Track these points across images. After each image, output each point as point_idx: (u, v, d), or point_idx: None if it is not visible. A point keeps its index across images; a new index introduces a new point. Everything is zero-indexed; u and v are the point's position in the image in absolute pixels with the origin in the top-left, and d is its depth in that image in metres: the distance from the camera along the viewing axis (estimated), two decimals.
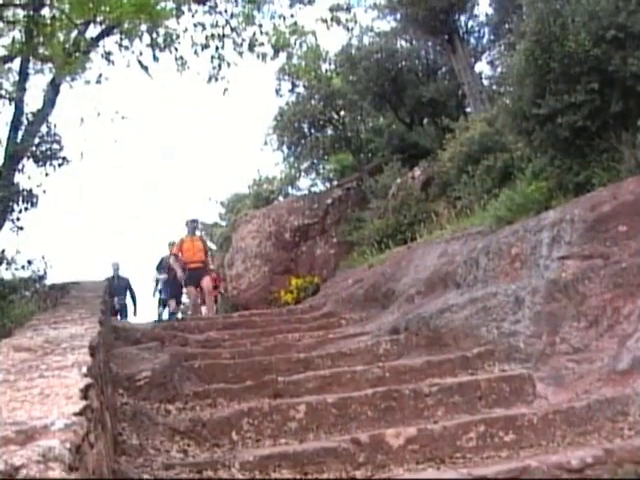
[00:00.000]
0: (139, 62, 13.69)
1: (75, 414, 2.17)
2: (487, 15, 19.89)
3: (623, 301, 5.77)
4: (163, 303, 17.05)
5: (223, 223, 25.99)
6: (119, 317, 15.67)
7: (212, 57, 14.69)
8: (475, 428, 4.82)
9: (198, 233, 16.15)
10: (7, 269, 9.15)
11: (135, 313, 16.79)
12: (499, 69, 18.99)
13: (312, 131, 21.38)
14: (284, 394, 5.86)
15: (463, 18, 19.37)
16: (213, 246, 22.77)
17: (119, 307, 16.18)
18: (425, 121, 20.19)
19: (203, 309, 14.99)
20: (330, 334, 8.72)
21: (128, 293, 16.65)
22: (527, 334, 6.26)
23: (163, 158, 66.95)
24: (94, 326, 4.73)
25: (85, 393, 2.54)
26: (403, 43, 20.93)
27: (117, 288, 15.96)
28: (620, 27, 7.62)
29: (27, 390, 2.59)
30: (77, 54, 10.76)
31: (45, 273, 9.44)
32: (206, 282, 14.06)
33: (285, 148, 21.94)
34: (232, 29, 14.65)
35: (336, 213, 18.01)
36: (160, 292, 17.25)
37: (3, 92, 12.02)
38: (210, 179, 58.58)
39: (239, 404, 5.58)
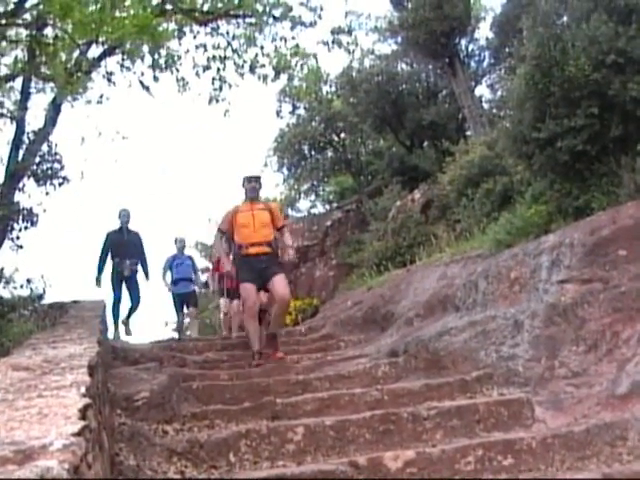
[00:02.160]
0: (140, 82, 13.86)
1: (73, 434, 2.16)
2: (487, 39, 20.06)
3: (622, 325, 5.76)
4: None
5: None
6: (129, 291, 11.90)
7: (213, 78, 14.85)
8: (473, 452, 4.79)
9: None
10: (5, 287, 9.18)
11: (147, 278, 12.32)
12: (499, 93, 19.13)
13: (312, 153, 21.52)
14: (282, 416, 5.83)
15: (464, 42, 19.54)
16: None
17: (129, 273, 11.73)
18: (425, 144, 20.30)
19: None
20: (329, 356, 8.70)
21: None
22: (526, 358, 6.25)
23: (164, 177, 67.08)
24: (93, 346, 4.72)
25: (83, 413, 2.53)
26: (404, 66, 21.09)
27: (126, 245, 11.82)
28: (620, 52, 7.66)
29: (25, 410, 2.58)
30: (79, 74, 10.84)
31: (44, 292, 9.47)
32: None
33: (285, 170, 22.09)
34: (234, 51, 14.78)
35: (335, 235, 18.05)
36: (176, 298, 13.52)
37: (5, 111, 12.11)
38: (211, 199, 58.65)
39: (237, 425, 5.55)
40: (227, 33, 14.70)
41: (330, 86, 21.83)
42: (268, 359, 8.29)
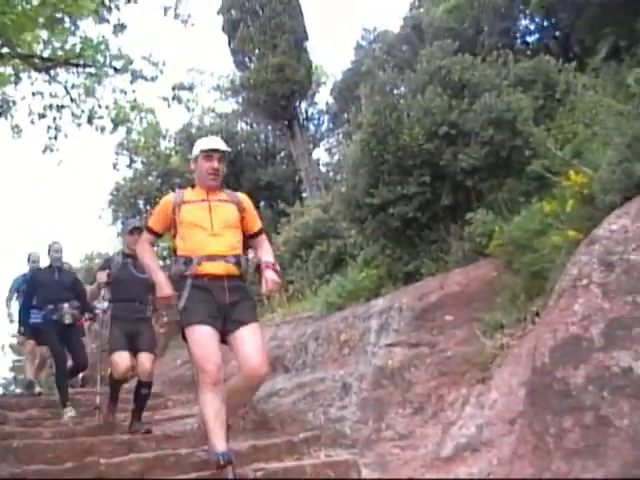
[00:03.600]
0: None
1: None
2: (327, 104, 20.62)
3: (448, 389, 5.87)
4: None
5: None
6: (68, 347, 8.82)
7: (49, 127, 14.40)
8: None
9: None
10: None
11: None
12: (336, 157, 19.58)
13: (147, 208, 21.17)
14: (106, 477, 5.55)
15: (304, 105, 19.98)
16: None
17: (68, 321, 8.68)
18: (262, 204, 20.41)
19: None
20: (156, 415, 8.43)
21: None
22: (354, 420, 6.25)
23: None
24: None
25: None
26: (244, 126, 21.30)
27: (58, 287, 8.80)
28: (452, 124, 7.98)
29: None
30: None
31: None
32: None
33: (120, 223, 21.58)
34: (72, 100, 14.42)
35: None
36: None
37: None
38: (45, 252, 56.35)
39: None
40: (66, 82, 14.36)
41: (169, 141, 21.69)
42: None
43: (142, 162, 21.45)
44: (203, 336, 4.88)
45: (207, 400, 4.75)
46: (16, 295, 11.12)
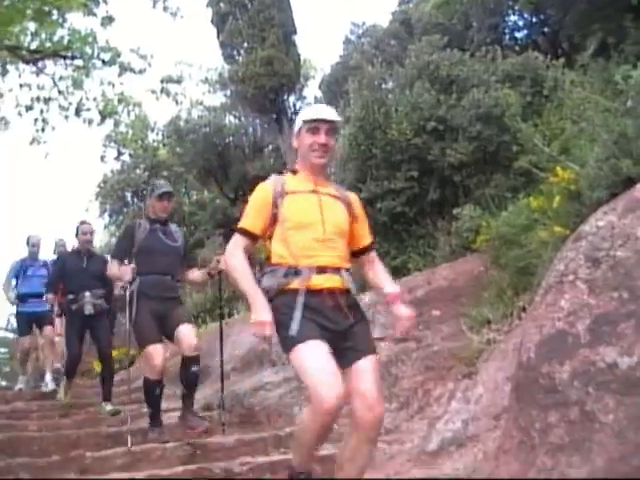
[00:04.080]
0: None
1: None
2: (316, 97, 20.59)
3: (434, 384, 5.89)
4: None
5: None
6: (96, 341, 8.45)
7: (35, 119, 14.31)
8: None
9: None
10: None
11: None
12: None
13: (135, 200, 21.13)
14: (91, 470, 5.54)
15: (292, 99, 19.95)
16: None
17: (88, 312, 8.00)
18: (249, 198, 20.39)
19: None
20: (143, 408, 8.41)
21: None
22: (340, 414, 6.26)
23: None
24: None
25: None
26: (232, 119, 21.24)
27: (84, 274, 8.13)
28: (440, 119, 8.01)
29: None
30: None
31: None
32: None
33: (107, 216, 21.52)
34: (59, 92, 14.35)
35: None
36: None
37: None
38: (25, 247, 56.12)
39: None
40: (54, 74, 14.29)
41: (157, 134, 21.64)
42: None
43: (130, 155, 21.40)
44: (317, 353, 3.60)
45: (317, 428, 3.65)
46: (15, 281, 10.33)
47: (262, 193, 3.98)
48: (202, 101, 22.45)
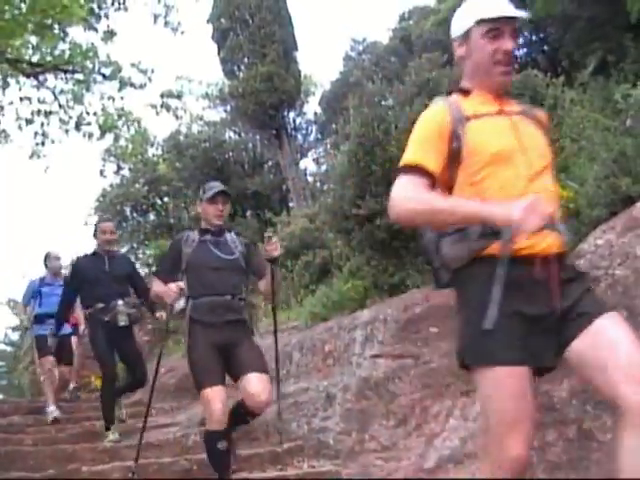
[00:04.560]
0: None
1: None
2: (316, 114, 20.67)
3: (432, 401, 5.86)
4: None
5: None
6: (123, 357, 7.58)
7: (36, 133, 14.31)
8: None
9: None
10: None
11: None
12: (324, 167, 19.61)
13: (134, 215, 21.15)
14: None
15: (292, 115, 20.03)
16: None
17: (123, 323, 7.17)
18: (248, 213, 20.41)
19: None
20: (139, 423, 8.37)
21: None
22: (337, 431, 6.23)
23: None
24: None
25: None
26: (232, 134, 21.32)
27: (108, 279, 7.17)
28: None
29: None
30: None
31: None
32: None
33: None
34: (60, 106, 14.35)
35: None
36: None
37: None
38: (26, 257, 56.25)
39: None
40: (54, 87, 14.30)
41: (156, 149, 21.67)
42: None
43: (129, 169, 21.42)
44: (516, 391, 2.54)
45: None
46: (32, 302, 9.36)
47: (435, 119, 2.76)
48: (202, 116, 22.54)
